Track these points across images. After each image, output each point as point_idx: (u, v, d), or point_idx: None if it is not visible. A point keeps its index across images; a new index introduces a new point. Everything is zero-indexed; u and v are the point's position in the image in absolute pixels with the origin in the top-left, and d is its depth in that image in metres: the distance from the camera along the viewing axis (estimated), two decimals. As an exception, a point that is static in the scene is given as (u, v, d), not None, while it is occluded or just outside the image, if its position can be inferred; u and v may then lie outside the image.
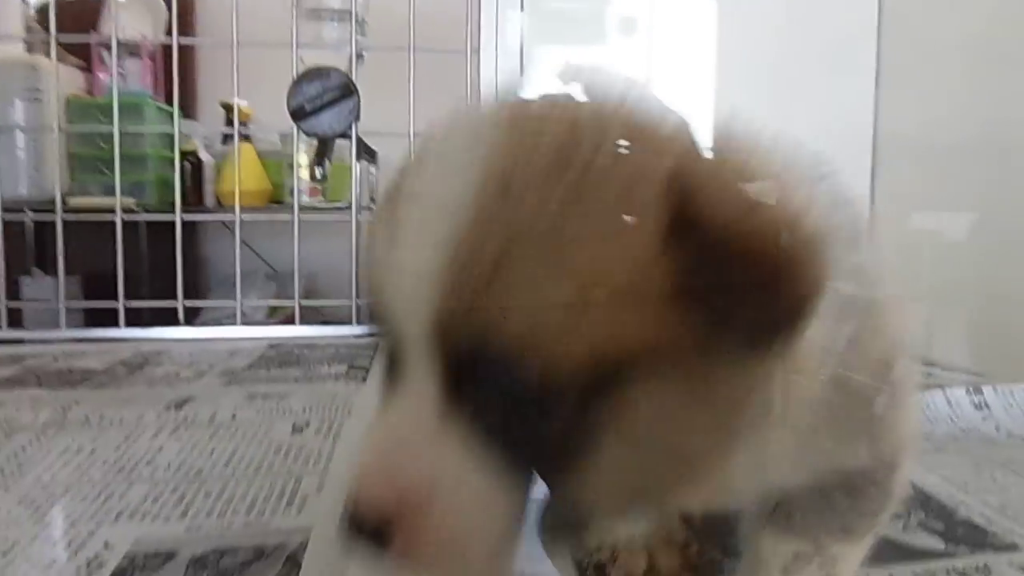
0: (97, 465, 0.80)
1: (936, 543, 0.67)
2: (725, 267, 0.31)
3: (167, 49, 2.17)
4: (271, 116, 2.34)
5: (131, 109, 2.33)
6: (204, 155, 2.51)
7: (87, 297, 2.18)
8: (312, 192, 2.49)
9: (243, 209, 2.59)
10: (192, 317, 2.38)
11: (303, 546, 0.63)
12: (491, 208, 0.32)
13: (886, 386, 0.41)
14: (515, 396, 0.32)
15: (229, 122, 2.55)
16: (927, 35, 1.50)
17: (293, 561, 0.61)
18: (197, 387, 1.13)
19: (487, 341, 0.31)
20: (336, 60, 1.60)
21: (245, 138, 2.53)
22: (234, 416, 0.98)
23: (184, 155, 2.57)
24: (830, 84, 1.58)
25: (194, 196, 2.56)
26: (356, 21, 1.50)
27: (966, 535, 0.68)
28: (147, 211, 2.35)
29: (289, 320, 2.50)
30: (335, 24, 1.56)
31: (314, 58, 1.64)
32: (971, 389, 1.00)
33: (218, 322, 2.42)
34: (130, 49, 2.52)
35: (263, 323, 2.45)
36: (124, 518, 0.69)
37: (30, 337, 1.70)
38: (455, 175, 0.33)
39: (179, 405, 1.01)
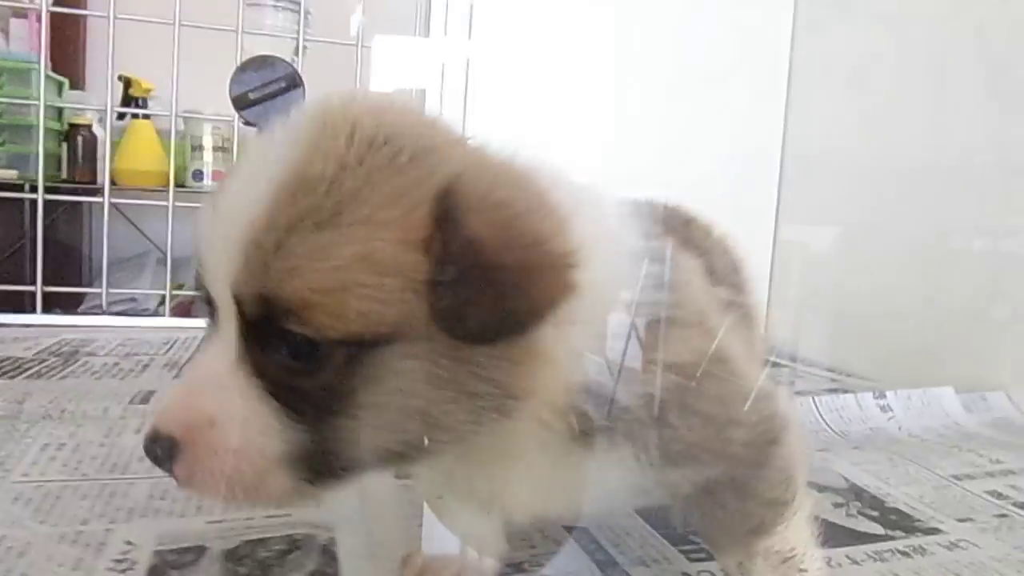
0: (87, 461, 0.78)
1: (876, 528, 0.78)
2: (475, 268, 0.38)
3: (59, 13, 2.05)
4: (173, 94, 2.26)
5: (16, 74, 2.17)
6: (98, 130, 2.36)
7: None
8: (216, 176, 2.41)
9: (140, 191, 2.47)
10: (74, 303, 2.25)
11: (333, 539, 0.66)
12: (288, 191, 0.38)
13: (723, 378, 0.48)
14: (292, 351, 0.39)
15: (128, 98, 2.43)
16: (837, 58, 1.66)
17: (329, 553, 0.64)
18: (149, 380, 1.10)
19: (271, 302, 0.38)
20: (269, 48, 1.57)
21: (145, 116, 2.41)
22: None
23: (76, 128, 2.41)
24: (740, 102, 1.71)
25: (86, 173, 2.41)
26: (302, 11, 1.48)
27: (898, 521, 0.80)
28: (32, 187, 2.19)
29: (187, 310, 2.42)
30: (278, 12, 1.53)
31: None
32: (876, 394, 1.15)
33: (103, 309, 2.30)
34: (15, 10, 2.34)
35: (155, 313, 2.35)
36: (137, 516, 0.68)
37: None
38: (268, 162, 0.40)
39: (144, 399, 0.98)
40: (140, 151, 2.40)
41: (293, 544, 0.65)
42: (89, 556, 0.61)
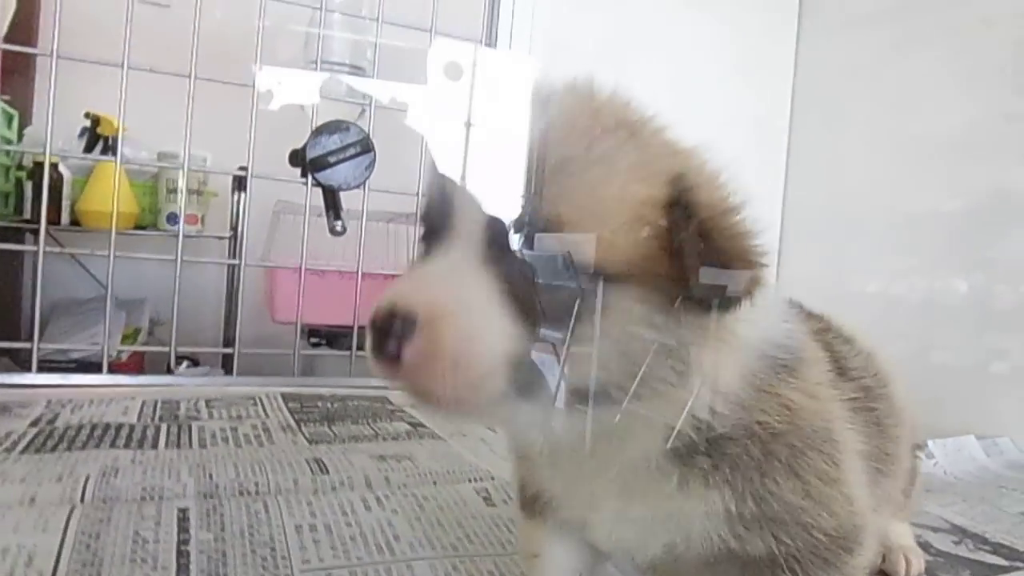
0: (353, 543, 0.80)
1: (999, 560, 0.95)
2: (703, 243, 0.45)
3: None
4: (145, 135, 2.19)
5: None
6: (64, 170, 2.23)
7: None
8: (191, 219, 2.34)
9: (103, 231, 2.35)
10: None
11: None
12: (556, 143, 0.46)
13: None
14: (545, 267, 0.44)
15: (96, 136, 2.32)
16: (836, 117, 1.89)
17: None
18: (273, 451, 1.11)
19: (534, 221, 0.45)
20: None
21: (113, 155, 2.30)
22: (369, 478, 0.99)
23: (38, 167, 2.26)
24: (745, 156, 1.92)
25: (49, 214, 2.25)
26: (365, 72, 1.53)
27: (1011, 554, 0.98)
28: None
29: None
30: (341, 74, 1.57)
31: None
32: (920, 443, 1.34)
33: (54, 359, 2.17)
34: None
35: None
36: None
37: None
38: (539, 116, 0.48)
39: (321, 466, 1.00)
40: (108, 192, 2.29)
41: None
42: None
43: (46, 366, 2.05)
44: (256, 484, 0.91)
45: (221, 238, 2.38)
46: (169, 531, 0.77)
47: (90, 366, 2.02)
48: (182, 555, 0.73)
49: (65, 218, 2.24)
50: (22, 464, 0.93)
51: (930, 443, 1.34)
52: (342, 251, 1.82)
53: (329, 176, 1.44)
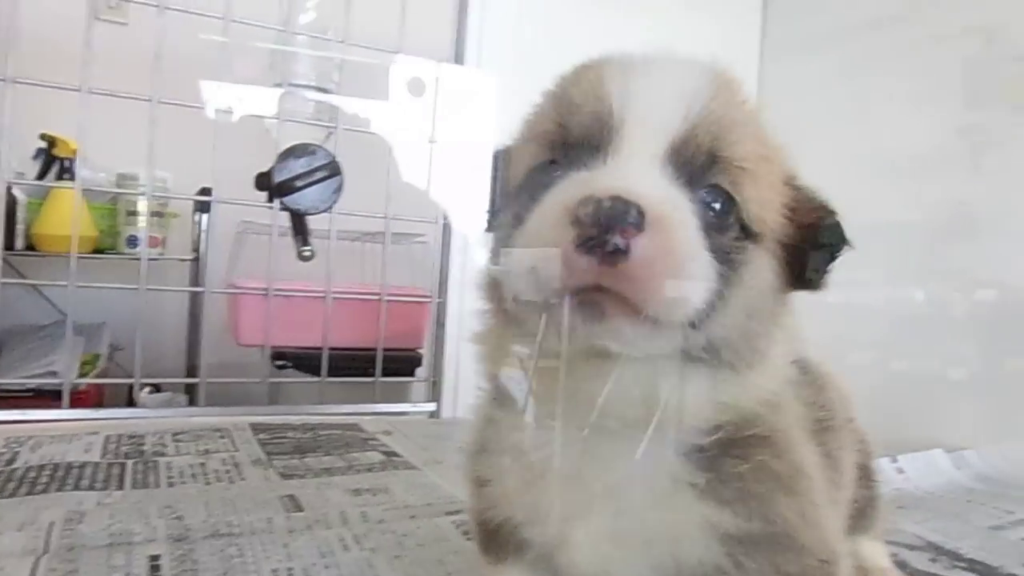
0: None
1: (974, 576, 0.97)
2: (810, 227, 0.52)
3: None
4: (102, 156, 2.13)
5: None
6: (19, 192, 2.17)
7: None
8: (153, 242, 2.29)
9: (59, 256, 2.29)
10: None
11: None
12: (713, 92, 0.48)
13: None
14: (712, 200, 0.46)
15: (51, 158, 2.26)
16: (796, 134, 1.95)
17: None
18: (244, 488, 1.08)
19: (717, 157, 0.47)
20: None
21: (70, 176, 2.24)
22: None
23: (-9, 191, 2.19)
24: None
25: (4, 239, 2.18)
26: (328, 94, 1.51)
27: (985, 571, 0.99)
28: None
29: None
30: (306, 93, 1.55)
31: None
32: (892, 459, 1.36)
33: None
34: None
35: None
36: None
37: None
38: (688, 69, 0.50)
39: (295, 504, 0.97)
40: (65, 215, 2.23)
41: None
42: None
43: (2, 396, 1.99)
44: (228, 525, 0.88)
45: (183, 260, 2.33)
46: (140, 581, 0.74)
47: (48, 393, 1.96)
48: (155, 606, 0.71)
49: (20, 243, 2.17)
50: (-17, 511, 0.89)
51: (900, 458, 1.36)
52: (307, 271, 1.80)
53: (296, 200, 1.41)
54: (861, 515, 0.82)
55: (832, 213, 0.53)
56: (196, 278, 2.28)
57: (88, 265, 2.29)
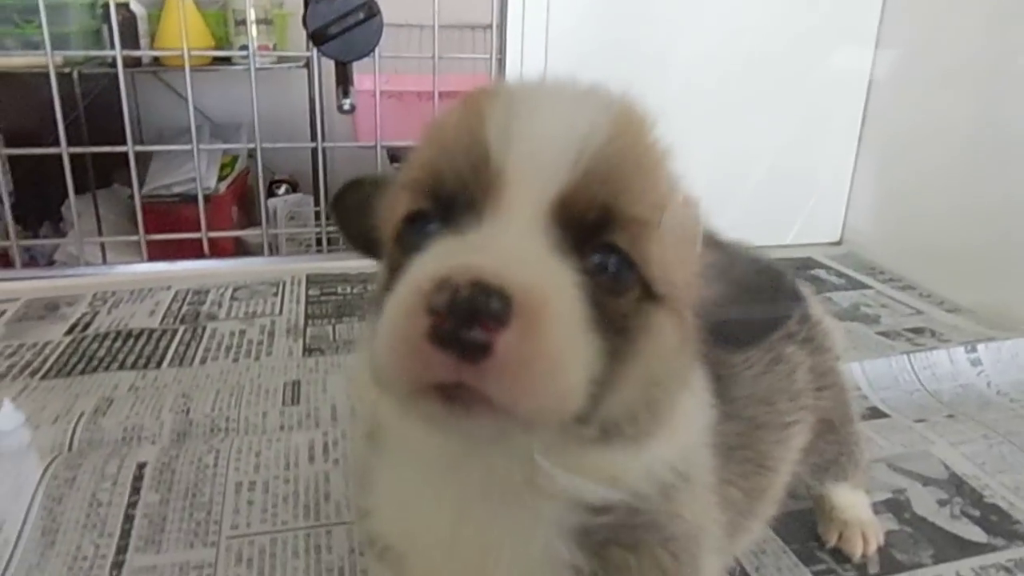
0: (284, 504, 0.87)
1: (979, 534, 0.87)
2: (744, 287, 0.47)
3: None
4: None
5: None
6: (136, 6, 2.24)
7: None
8: (263, 49, 2.32)
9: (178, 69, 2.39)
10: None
11: None
12: (613, 137, 0.40)
13: None
14: (603, 266, 0.39)
15: (158, -33, 2.27)
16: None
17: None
18: (284, 363, 1.18)
19: (608, 213, 0.39)
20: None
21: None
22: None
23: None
24: None
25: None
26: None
27: (998, 523, 0.89)
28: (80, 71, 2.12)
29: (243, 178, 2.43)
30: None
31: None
32: (968, 348, 1.20)
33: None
34: None
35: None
36: None
37: None
38: (584, 108, 0.42)
39: (295, 394, 1.07)
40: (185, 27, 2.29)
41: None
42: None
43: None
44: (227, 420, 0.99)
45: (291, 67, 2.36)
46: (123, 493, 0.86)
47: (192, 199, 2.16)
48: (128, 519, 0.83)
49: (146, 59, 2.29)
50: (38, 394, 1.06)
51: (980, 347, 1.19)
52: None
53: (334, 48, 1.35)
54: (835, 463, 0.80)
55: (780, 275, 0.47)
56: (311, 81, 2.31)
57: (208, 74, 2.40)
